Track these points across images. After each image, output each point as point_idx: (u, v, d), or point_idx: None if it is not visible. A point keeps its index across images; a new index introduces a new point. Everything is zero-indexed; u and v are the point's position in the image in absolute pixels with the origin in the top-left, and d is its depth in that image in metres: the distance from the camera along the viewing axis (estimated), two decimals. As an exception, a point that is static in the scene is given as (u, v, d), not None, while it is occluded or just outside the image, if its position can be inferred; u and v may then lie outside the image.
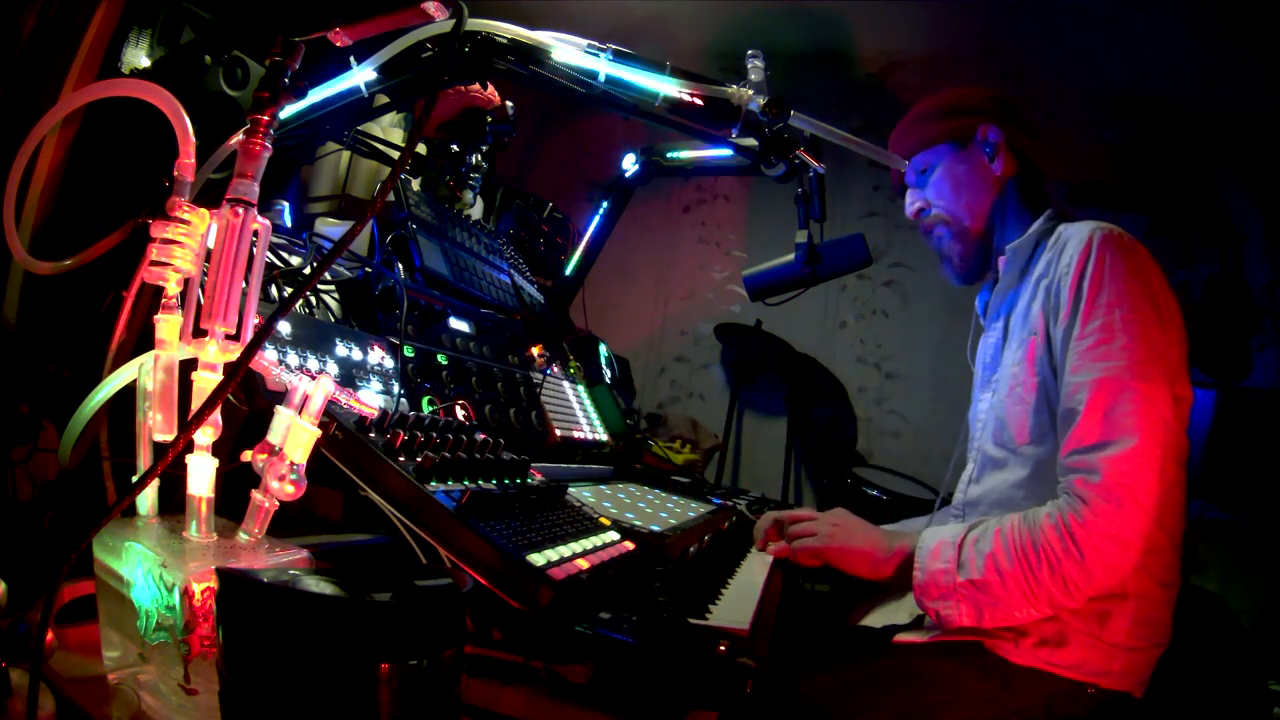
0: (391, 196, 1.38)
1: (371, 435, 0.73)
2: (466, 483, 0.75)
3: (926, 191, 1.27)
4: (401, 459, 0.72)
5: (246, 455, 0.64)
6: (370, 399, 0.95)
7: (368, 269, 1.13)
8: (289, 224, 1.36)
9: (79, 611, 0.66)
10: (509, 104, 1.55)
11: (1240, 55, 2.66)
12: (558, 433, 1.39)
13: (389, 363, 1.03)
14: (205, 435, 0.62)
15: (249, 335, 0.64)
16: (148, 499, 0.66)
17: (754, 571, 1.16)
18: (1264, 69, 2.65)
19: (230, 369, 0.57)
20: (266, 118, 0.67)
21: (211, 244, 0.65)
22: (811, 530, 1.18)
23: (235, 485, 0.66)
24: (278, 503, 0.64)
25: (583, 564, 0.73)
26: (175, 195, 0.67)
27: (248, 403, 0.77)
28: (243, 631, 0.46)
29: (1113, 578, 0.96)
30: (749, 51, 0.99)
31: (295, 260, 1.05)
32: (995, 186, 1.24)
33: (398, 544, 0.69)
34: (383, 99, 1.04)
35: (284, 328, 0.88)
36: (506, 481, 0.83)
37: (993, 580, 0.98)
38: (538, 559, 0.67)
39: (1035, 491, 1.10)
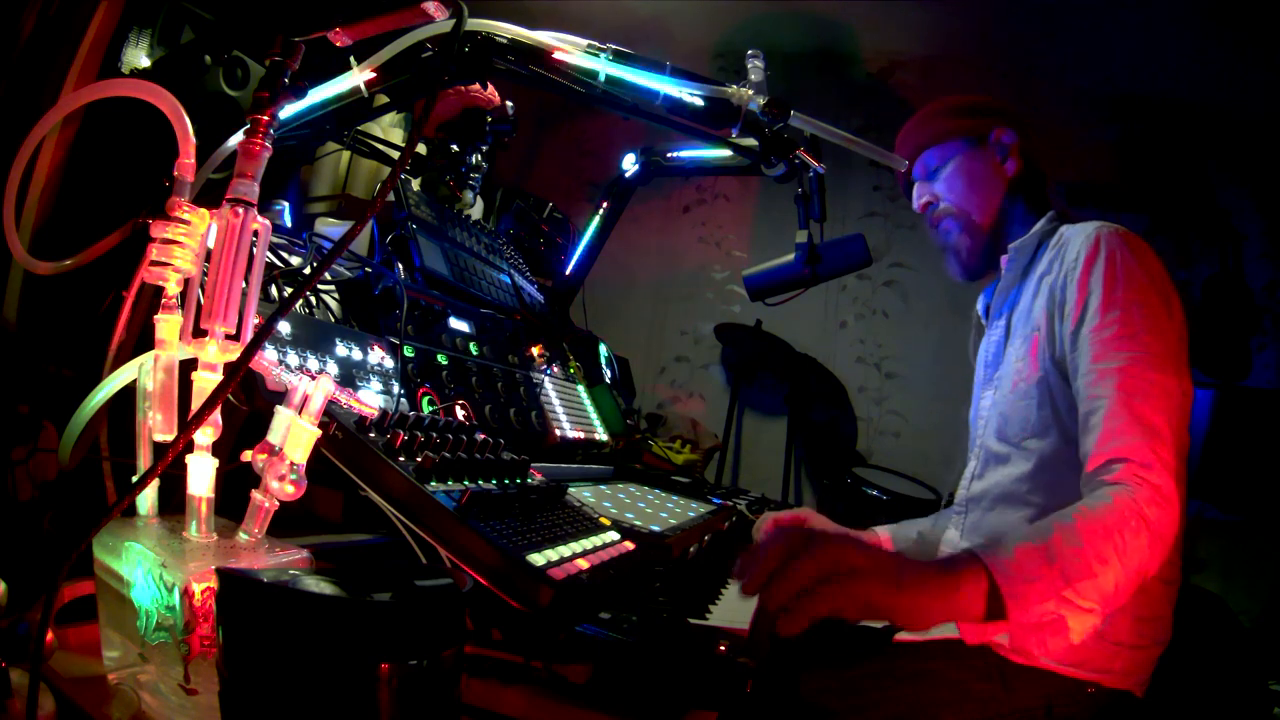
0: (391, 196, 1.38)
1: (371, 435, 0.73)
2: (466, 483, 0.75)
3: (936, 186, 1.28)
4: (401, 459, 0.71)
5: (246, 455, 0.64)
6: (370, 399, 0.95)
7: (368, 269, 1.13)
8: (289, 224, 1.36)
9: (79, 611, 0.66)
10: (509, 104, 1.55)
11: (1240, 55, 2.67)
12: (558, 433, 1.39)
13: (389, 363, 1.03)
14: (205, 435, 0.62)
15: (249, 335, 0.64)
16: (148, 499, 0.66)
17: (754, 571, 1.16)
18: (1264, 69, 2.65)
19: (230, 369, 0.57)
20: (266, 118, 0.67)
21: (211, 244, 0.65)
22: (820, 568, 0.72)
23: (235, 485, 0.66)
24: (278, 503, 0.64)
25: (583, 564, 0.73)
26: (175, 195, 0.67)
27: (248, 403, 0.77)
28: (243, 631, 0.46)
29: (1151, 571, 0.89)
30: (749, 51, 0.99)
31: (295, 260, 1.05)
32: (1005, 186, 1.25)
33: (398, 544, 0.69)
34: (383, 99, 1.04)
35: (284, 328, 0.88)
36: (506, 481, 0.83)
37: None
38: (538, 559, 0.67)
39: (1039, 485, 1.10)
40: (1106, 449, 0.97)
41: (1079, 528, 0.83)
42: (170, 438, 0.60)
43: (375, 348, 1.02)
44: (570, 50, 0.96)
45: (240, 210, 0.65)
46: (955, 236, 1.27)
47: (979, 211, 1.25)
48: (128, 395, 0.67)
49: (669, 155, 1.78)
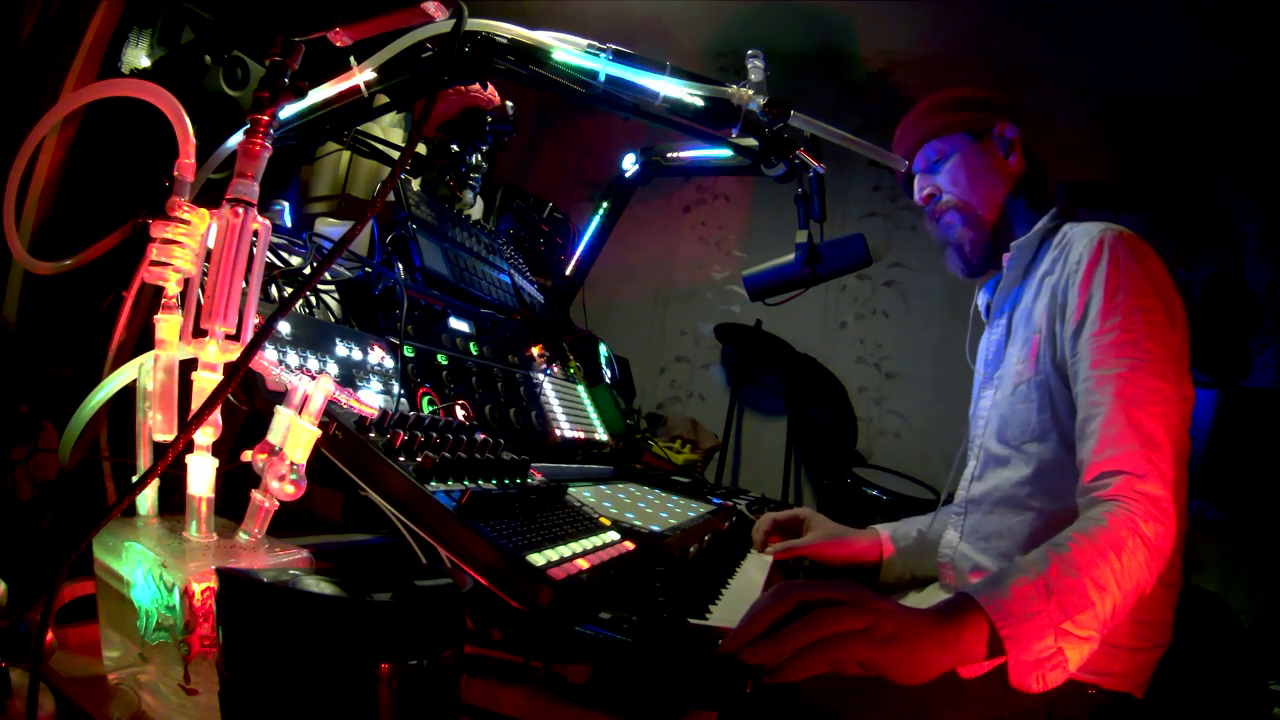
0: (391, 196, 1.38)
1: (371, 435, 0.73)
2: (466, 483, 0.75)
3: (939, 178, 1.27)
4: (401, 459, 0.71)
5: (246, 455, 0.64)
6: (370, 399, 0.95)
7: (368, 269, 1.13)
8: (289, 224, 1.36)
9: (79, 611, 0.66)
10: (509, 104, 1.55)
11: (1240, 55, 2.67)
12: (558, 433, 1.39)
13: (389, 363, 1.03)
14: (205, 435, 0.62)
15: (249, 335, 0.64)
16: (148, 499, 0.66)
17: (754, 571, 1.16)
18: (1264, 69, 2.65)
19: (230, 369, 0.57)
20: (266, 118, 0.67)
21: (211, 244, 0.65)
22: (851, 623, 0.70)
23: (235, 485, 0.66)
24: (278, 503, 0.64)
25: (583, 564, 0.73)
26: (175, 195, 0.67)
27: (248, 403, 0.77)
28: (243, 631, 0.46)
29: (1149, 586, 0.90)
30: (749, 51, 0.99)
31: (295, 260, 1.05)
32: (1009, 182, 1.24)
33: (398, 544, 0.69)
34: (383, 99, 1.04)
35: (284, 328, 0.88)
36: (506, 481, 0.83)
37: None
38: (538, 559, 0.67)
39: (1038, 490, 1.10)
40: (1102, 459, 0.96)
41: (1075, 557, 0.83)
42: (170, 438, 0.60)
43: (375, 348, 1.02)
44: (570, 50, 0.96)
45: (240, 210, 0.65)
46: (958, 230, 1.26)
47: (983, 205, 1.24)
48: (128, 395, 0.67)
49: (669, 155, 1.78)
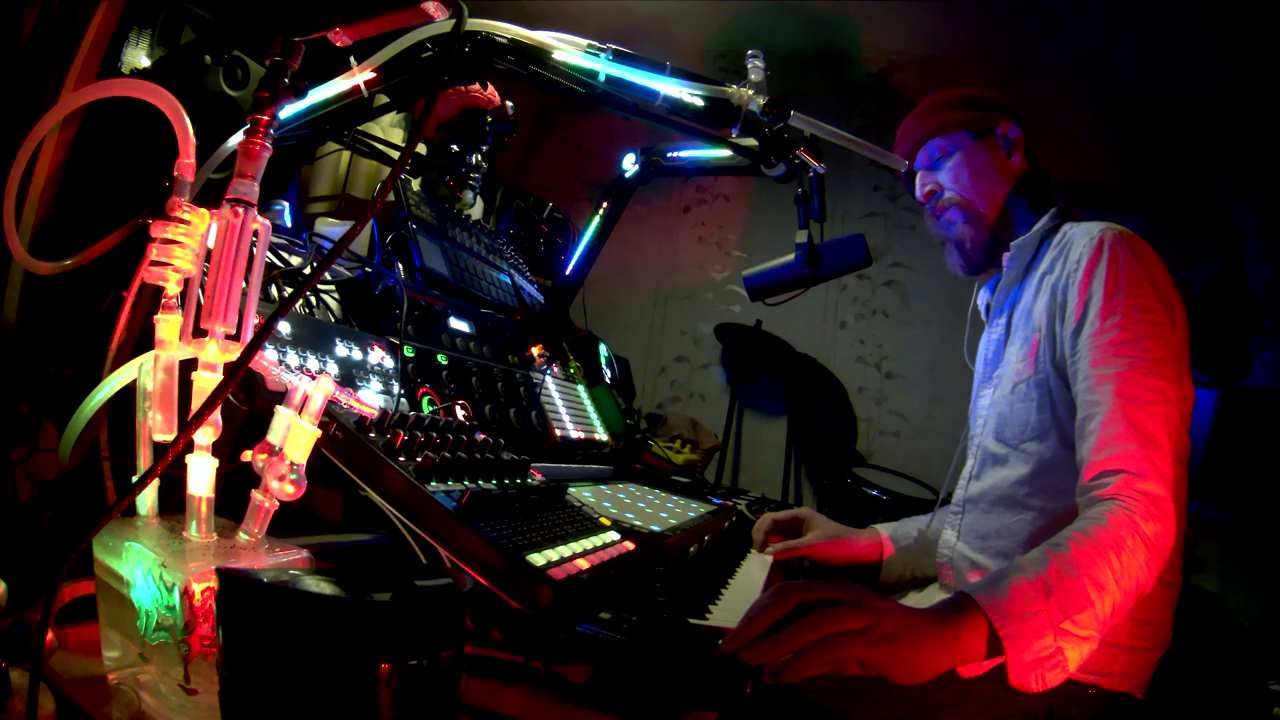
0: (391, 196, 1.38)
1: (371, 435, 0.73)
2: (466, 483, 0.75)
3: (941, 175, 1.27)
4: (401, 459, 0.71)
5: (246, 455, 0.64)
6: (370, 399, 0.95)
7: (368, 269, 1.13)
8: (289, 224, 1.36)
9: (79, 611, 0.66)
10: (509, 104, 1.55)
11: (1241, 55, 2.67)
12: (558, 433, 1.39)
13: (389, 363, 1.03)
14: (205, 435, 0.62)
15: (249, 335, 0.64)
16: (148, 499, 0.66)
17: (754, 572, 1.16)
18: (1264, 69, 2.65)
19: (230, 369, 0.57)
20: (266, 118, 0.67)
21: (211, 244, 0.65)
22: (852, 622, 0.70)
23: (235, 485, 0.66)
24: (278, 503, 0.64)
25: (583, 564, 0.73)
26: (175, 195, 0.67)
27: (248, 403, 0.77)
28: (243, 631, 0.46)
29: (1149, 586, 0.90)
30: (749, 51, 0.99)
31: (295, 260, 1.05)
32: (1010, 181, 1.24)
33: (398, 544, 0.69)
34: (383, 99, 1.04)
35: (284, 328, 0.88)
36: (506, 481, 0.83)
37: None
38: (538, 559, 0.67)
39: (1037, 489, 1.09)
40: (1102, 458, 0.96)
41: (1075, 556, 0.83)
42: (170, 438, 0.60)
43: (375, 348, 1.02)
44: (570, 50, 0.96)
45: (240, 210, 0.65)
46: (959, 228, 1.26)
47: (984, 203, 1.24)
48: (128, 395, 0.67)
49: (669, 155, 1.78)
